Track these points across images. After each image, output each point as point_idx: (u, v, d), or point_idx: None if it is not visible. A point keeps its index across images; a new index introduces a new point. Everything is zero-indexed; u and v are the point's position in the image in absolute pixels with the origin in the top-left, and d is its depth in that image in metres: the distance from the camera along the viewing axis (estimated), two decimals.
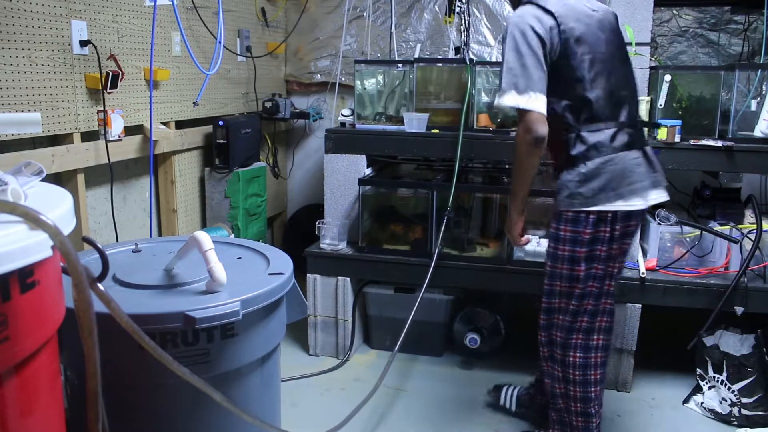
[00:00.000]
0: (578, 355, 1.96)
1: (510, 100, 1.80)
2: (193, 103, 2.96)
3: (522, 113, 1.81)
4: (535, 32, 1.80)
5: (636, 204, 1.84)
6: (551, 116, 1.82)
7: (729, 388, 2.35)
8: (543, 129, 1.78)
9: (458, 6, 3.34)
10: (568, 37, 1.82)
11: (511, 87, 1.80)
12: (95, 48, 2.28)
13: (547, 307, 1.99)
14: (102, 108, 2.36)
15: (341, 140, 2.87)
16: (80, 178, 2.31)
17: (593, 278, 1.89)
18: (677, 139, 2.49)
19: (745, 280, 2.35)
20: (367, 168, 2.91)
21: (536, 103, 1.78)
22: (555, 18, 1.81)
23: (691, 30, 3.30)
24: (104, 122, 2.36)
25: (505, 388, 2.43)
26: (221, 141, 3.02)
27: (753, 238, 2.34)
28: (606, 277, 1.91)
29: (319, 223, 2.85)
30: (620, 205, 1.82)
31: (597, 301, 1.92)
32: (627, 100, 1.90)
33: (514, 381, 2.69)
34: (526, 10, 1.85)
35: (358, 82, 3.06)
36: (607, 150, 1.82)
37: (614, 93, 1.86)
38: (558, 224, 1.88)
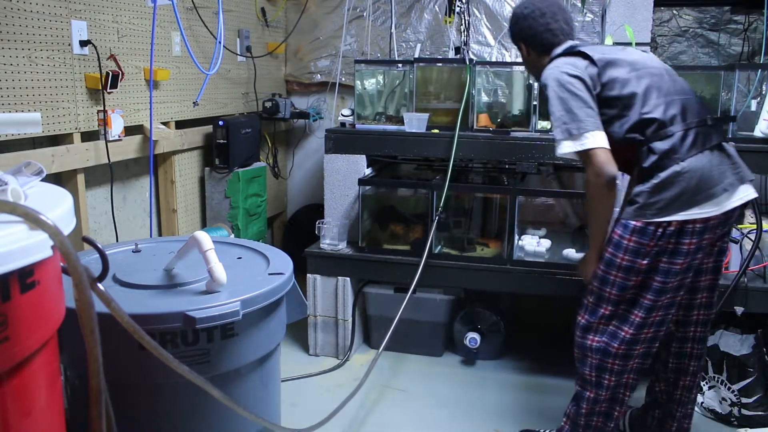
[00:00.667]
0: (617, 363, 1.90)
1: (567, 147, 1.81)
2: (193, 103, 2.96)
3: (585, 156, 1.80)
4: (571, 75, 1.83)
5: (710, 211, 1.77)
6: (616, 141, 1.82)
7: (729, 388, 2.35)
8: (612, 168, 1.76)
9: (458, 6, 3.34)
10: (605, 64, 1.86)
11: (565, 135, 1.81)
12: (95, 48, 2.28)
13: (593, 310, 1.92)
14: (102, 108, 2.36)
15: (341, 140, 2.87)
16: (80, 178, 2.31)
17: (649, 290, 1.83)
18: None
19: (745, 280, 2.35)
20: (367, 168, 2.91)
21: (595, 140, 1.77)
22: (584, 55, 1.87)
23: (691, 30, 3.30)
24: (104, 122, 2.36)
25: None
26: (221, 141, 3.02)
27: (753, 238, 2.34)
28: (662, 292, 1.83)
29: (319, 223, 2.85)
30: (694, 213, 1.76)
31: (648, 314, 1.85)
32: (686, 102, 1.86)
33: (515, 380, 2.69)
34: (555, 63, 1.91)
35: (358, 82, 3.06)
36: (680, 156, 1.77)
37: (671, 98, 1.84)
38: (623, 232, 1.82)
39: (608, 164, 1.77)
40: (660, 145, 1.78)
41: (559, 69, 1.87)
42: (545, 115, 2.84)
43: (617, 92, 1.84)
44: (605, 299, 1.88)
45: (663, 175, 1.77)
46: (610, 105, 1.84)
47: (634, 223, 1.80)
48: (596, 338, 1.92)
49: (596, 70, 1.86)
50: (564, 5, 2.09)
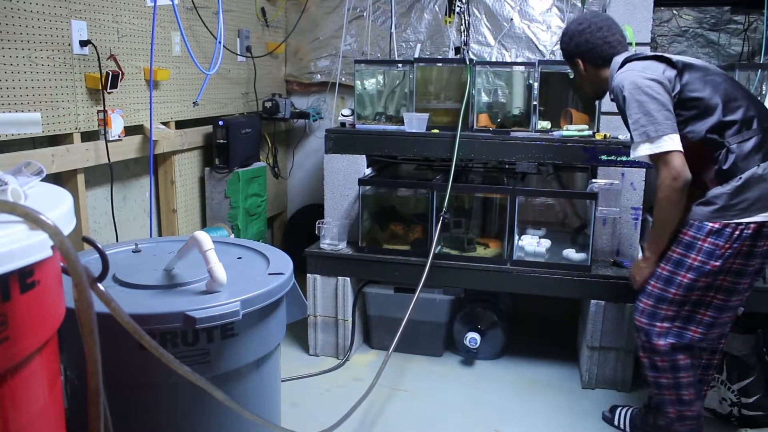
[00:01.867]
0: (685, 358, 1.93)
1: (645, 150, 1.83)
2: (193, 103, 2.96)
3: (660, 158, 1.81)
4: (649, 78, 1.85)
5: None
6: (692, 143, 1.83)
7: (729, 388, 2.35)
8: (687, 172, 1.79)
9: (458, 6, 3.34)
10: (683, 66, 1.88)
11: (643, 137, 1.82)
12: (95, 48, 2.28)
13: (652, 312, 1.94)
14: (102, 108, 2.36)
15: (341, 140, 2.87)
16: (80, 178, 2.31)
17: (719, 290, 1.87)
18: None
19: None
20: (367, 168, 2.91)
21: (673, 143, 1.80)
22: (661, 59, 1.90)
23: (691, 30, 3.30)
24: (104, 122, 2.36)
25: (619, 410, 2.37)
26: (221, 141, 3.02)
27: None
28: (733, 292, 1.88)
29: (319, 223, 2.85)
30: None
31: (719, 313, 1.89)
32: (757, 105, 1.89)
33: (515, 380, 2.70)
34: (629, 66, 1.93)
35: (358, 82, 3.06)
36: (759, 157, 1.80)
37: (746, 102, 1.86)
38: (696, 233, 1.84)
39: (684, 168, 1.79)
40: (740, 147, 1.81)
41: (636, 72, 1.88)
42: (545, 115, 2.84)
43: (697, 94, 1.85)
44: (667, 300, 1.90)
45: (744, 176, 1.79)
46: (689, 107, 1.86)
47: (711, 224, 1.81)
48: (661, 341, 1.93)
49: (674, 72, 1.88)
50: (613, 20, 2.11)
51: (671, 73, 1.88)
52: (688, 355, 1.95)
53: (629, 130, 1.91)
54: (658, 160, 1.83)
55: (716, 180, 1.85)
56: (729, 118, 1.83)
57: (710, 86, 1.86)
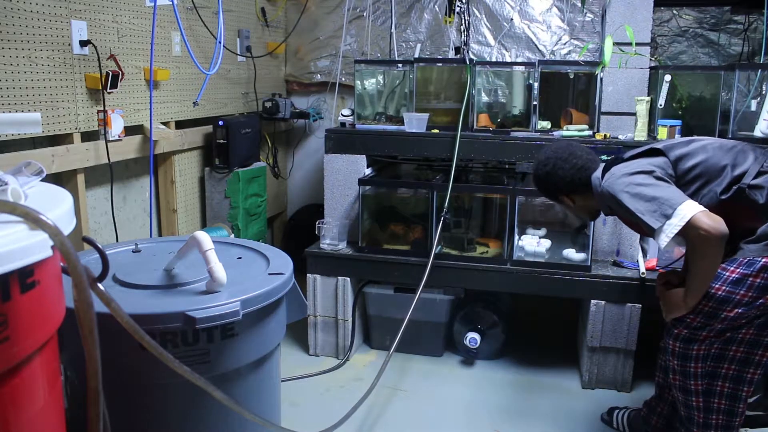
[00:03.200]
0: (726, 385, 1.88)
1: (671, 230, 1.72)
2: (193, 103, 2.96)
3: (689, 228, 1.71)
4: (633, 172, 1.80)
5: None
6: (718, 204, 1.77)
7: None
8: (719, 224, 1.68)
9: (458, 6, 3.34)
10: (666, 145, 1.85)
11: (661, 220, 1.73)
12: (95, 48, 2.28)
13: (689, 338, 1.87)
14: (102, 108, 2.36)
15: (341, 140, 2.87)
16: (80, 178, 2.31)
17: (753, 326, 1.82)
18: None
19: None
20: (367, 168, 2.91)
21: (690, 208, 1.70)
22: (643, 154, 1.86)
23: (691, 30, 3.30)
24: (104, 122, 2.36)
25: (616, 412, 2.35)
26: (221, 141, 3.02)
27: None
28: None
29: (319, 223, 2.85)
30: None
31: (751, 348, 1.84)
32: (751, 146, 1.88)
33: (515, 380, 2.70)
34: (611, 173, 1.88)
35: (358, 82, 3.06)
36: None
37: (740, 147, 1.85)
38: (746, 270, 1.77)
39: (715, 222, 1.69)
40: (766, 179, 1.75)
41: (618, 175, 1.83)
42: (545, 115, 2.84)
43: (695, 160, 1.81)
44: (706, 328, 1.84)
45: None
46: (694, 177, 1.81)
47: (764, 260, 1.74)
48: (699, 364, 1.88)
49: (662, 157, 1.83)
50: (571, 142, 2.08)
51: (659, 159, 1.83)
52: (725, 384, 1.89)
53: (645, 229, 1.80)
54: (688, 230, 1.71)
55: (759, 219, 1.78)
56: (739, 170, 1.77)
57: (702, 149, 1.83)
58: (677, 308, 1.88)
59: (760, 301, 1.76)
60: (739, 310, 1.78)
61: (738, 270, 1.78)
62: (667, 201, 1.73)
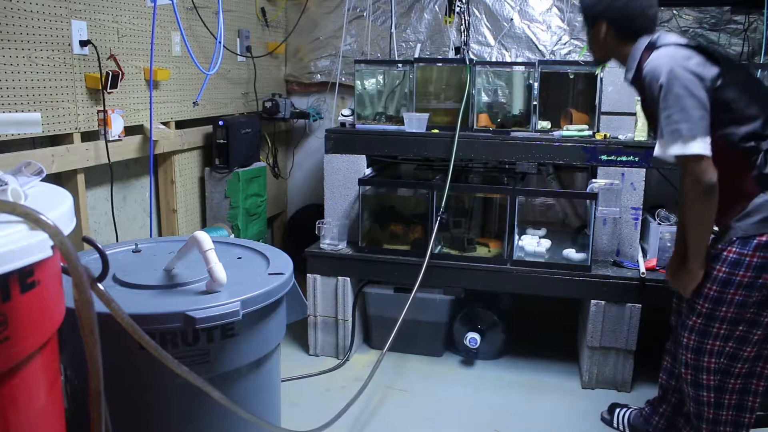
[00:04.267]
0: (739, 382, 1.86)
1: (674, 149, 1.69)
2: (193, 103, 2.96)
3: (687, 161, 1.69)
4: (690, 71, 1.69)
5: None
6: (726, 146, 1.72)
7: None
8: (713, 175, 1.67)
9: (458, 6, 3.34)
10: (726, 65, 1.73)
11: (674, 136, 1.68)
12: (95, 48, 2.28)
13: (703, 330, 1.85)
14: (102, 108, 2.36)
15: (341, 140, 2.87)
16: (80, 178, 2.31)
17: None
18: None
19: None
20: (367, 168, 2.91)
21: (703, 146, 1.66)
22: (702, 51, 1.73)
23: (691, 30, 3.30)
24: (104, 122, 2.36)
25: (617, 411, 2.33)
26: (221, 141, 3.02)
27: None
28: None
29: (319, 223, 2.85)
30: None
31: (766, 330, 1.80)
32: None
33: (515, 380, 2.70)
34: (666, 52, 1.74)
35: (358, 82, 3.06)
36: None
37: None
38: (742, 249, 1.74)
39: (710, 169, 1.67)
40: None
41: (676, 61, 1.69)
42: (545, 115, 2.84)
43: (737, 100, 1.72)
44: (719, 318, 1.81)
45: None
46: (726, 110, 1.72)
47: (758, 238, 1.71)
48: (713, 360, 1.85)
49: (717, 70, 1.71)
50: None
51: (714, 70, 1.71)
52: (737, 381, 1.86)
53: (655, 124, 1.76)
54: (686, 163, 1.69)
55: (755, 187, 1.74)
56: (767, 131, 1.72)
57: (752, 88, 1.75)
58: (688, 280, 1.85)
59: (760, 281, 1.74)
60: (743, 292, 1.76)
61: (734, 250, 1.76)
62: (693, 124, 1.66)
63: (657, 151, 1.75)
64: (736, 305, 1.78)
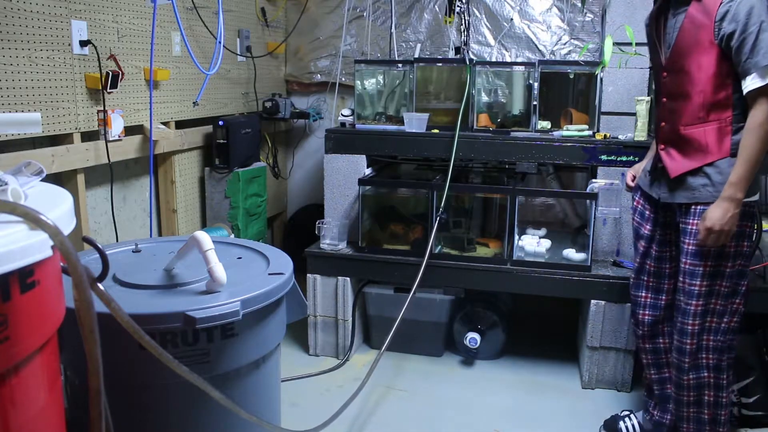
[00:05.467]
0: (731, 356, 1.96)
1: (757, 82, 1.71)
2: (193, 103, 2.96)
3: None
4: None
5: None
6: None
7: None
8: None
9: (458, 6, 3.33)
10: None
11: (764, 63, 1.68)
12: (95, 48, 2.28)
13: (703, 310, 1.91)
14: (102, 108, 2.36)
15: (341, 140, 2.87)
16: (80, 178, 2.31)
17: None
18: None
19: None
20: (367, 168, 2.91)
21: None
22: None
23: None
24: (104, 122, 2.36)
25: (621, 422, 2.27)
26: (221, 141, 3.02)
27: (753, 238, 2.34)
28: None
29: (319, 223, 2.85)
30: None
31: (743, 298, 1.93)
32: None
33: (515, 380, 2.70)
34: None
35: (358, 82, 3.06)
36: None
37: None
38: (742, 221, 1.83)
39: None
40: None
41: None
42: (545, 115, 2.84)
43: None
44: (718, 294, 1.92)
45: None
46: None
47: (750, 208, 1.86)
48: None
49: None
50: None
51: None
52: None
53: (740, 56, 1.73)
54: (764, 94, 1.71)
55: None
56: None
57: None
58: (730, 218, 1.79)
59: (748, 249, 1.91)
60: (741, 262, 1.89)
61: (742, 221, 1.85)
62: None
63: (754, 80, 1.72)
64: (737, 276, 1.91)
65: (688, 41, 1.84)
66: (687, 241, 1.90)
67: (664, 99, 1.96)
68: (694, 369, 1.95)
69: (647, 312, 2.14)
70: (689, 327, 1.92)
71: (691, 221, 1.89)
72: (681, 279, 1.94)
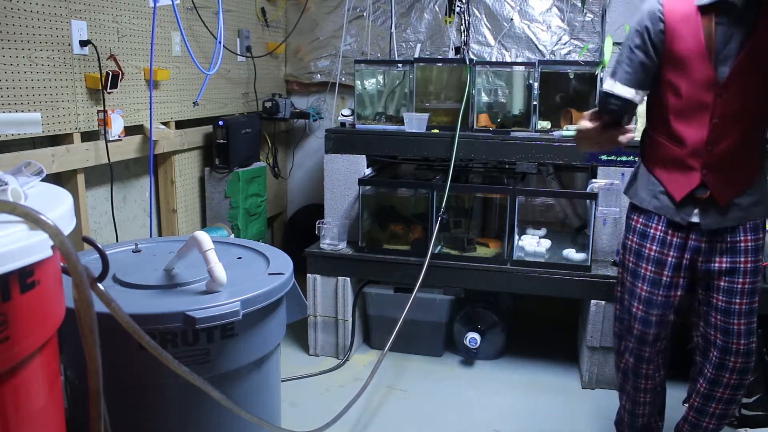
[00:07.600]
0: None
1: None
2: (193, 103, 2.96)
3: None
4: None
5: None
6: None
7: None
8: None
9: (458, 6, 3.34)
10: None
11: None
12: (95, 48, 2.28)
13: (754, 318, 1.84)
14: (102, 108, 2.36)
15: (341, 140, 2.87)
16: (80, 178, 2.31)
17: None
18: None
19: None
20: (367, 168, 2.91)
21: None
22: None
23: None
24: (104, 122, 2.35)
25: None
26: (221, 141, 3.02)
27: None
28: None
29: (319, 223, 2.85)
30: None
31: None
32: None
33: (515, 380, 2.69)
34: None
35: (358, 82, 3.06)
36: None
37: None
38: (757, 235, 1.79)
39: None
40: None
41: None
42: (545, 115, 2.84)
43: None
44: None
45: None
46: None
47: None
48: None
49: None
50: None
51: None
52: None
53: None
54: None
55: None
56: None
57: None
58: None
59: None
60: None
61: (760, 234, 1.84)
62: None
63: None
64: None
65: (763, 57, 1.65)
66: (745, 259, 1.78)
67: (716, 120, 1.69)
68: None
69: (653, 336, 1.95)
70: (743, 347, 1.84)
71: (743, 238, 1.78)
72: (737, 300, 1.79)
